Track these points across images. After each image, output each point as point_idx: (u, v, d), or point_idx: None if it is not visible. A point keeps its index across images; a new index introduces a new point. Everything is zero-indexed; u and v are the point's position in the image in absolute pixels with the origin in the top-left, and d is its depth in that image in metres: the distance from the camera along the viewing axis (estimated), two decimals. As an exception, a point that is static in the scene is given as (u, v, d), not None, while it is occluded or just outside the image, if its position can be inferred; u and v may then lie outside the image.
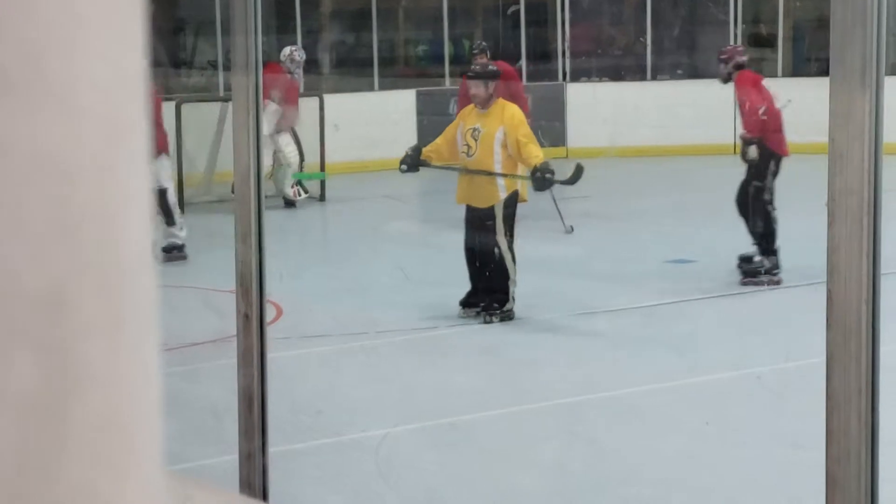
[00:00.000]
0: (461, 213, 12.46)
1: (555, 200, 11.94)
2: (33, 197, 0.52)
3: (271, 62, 14.04)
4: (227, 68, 16.46)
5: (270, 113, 13.14)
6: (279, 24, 18.33)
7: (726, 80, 10.93)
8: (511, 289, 9.14)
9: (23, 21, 0.51)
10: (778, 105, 10.58)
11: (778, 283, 10.07)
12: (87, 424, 0.53)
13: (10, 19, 0.51)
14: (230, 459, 3.76)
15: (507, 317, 9.11)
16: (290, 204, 14.21)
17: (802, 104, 17.68)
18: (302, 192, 14.33)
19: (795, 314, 9.06)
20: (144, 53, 0.56)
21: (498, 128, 9.08)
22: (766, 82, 10.92)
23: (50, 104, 0.52)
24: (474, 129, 9.20)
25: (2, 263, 0.52)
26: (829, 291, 2.49)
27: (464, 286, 9.31)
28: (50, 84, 0.52)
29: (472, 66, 13.27)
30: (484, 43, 14.00)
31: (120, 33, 0.55)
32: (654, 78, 19.26)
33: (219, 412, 5.97)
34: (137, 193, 0.56)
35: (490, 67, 12.82)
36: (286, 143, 13.92)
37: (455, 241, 12.15)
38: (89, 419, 0.54)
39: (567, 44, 19.34)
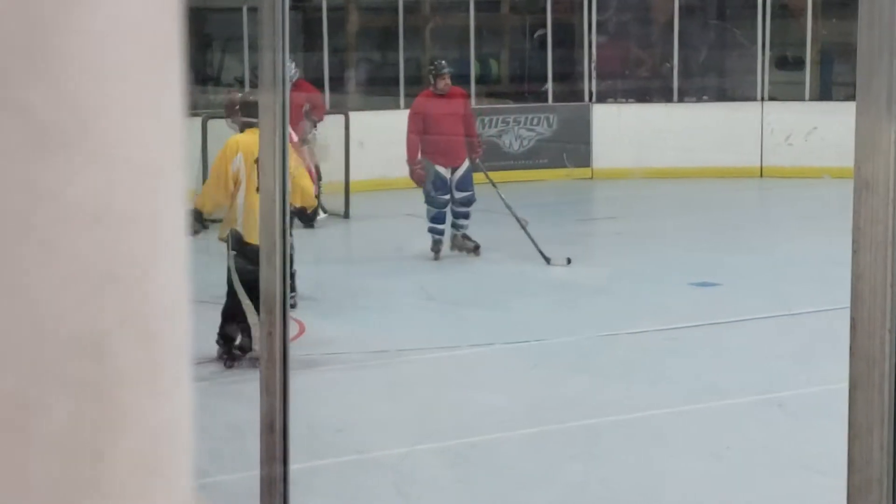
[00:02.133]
0: (488, 232, 12.46)
1: (527, 234, 11.76)
2: (78, 247, 0.54)
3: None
4: (253, 85, 16.50)
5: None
6: (306, 42, 18.39)
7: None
8: (254, 331, 7.97)
9: (74, 81, 0.53)
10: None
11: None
12: (120, 466, 0.55)
13: (63, 80, 0.53)
14: (252, 475, 3.77)
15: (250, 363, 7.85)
16: (306, 220, 13.99)
17: (829, 129, 17.68)
18: (321, 211, 14.15)
19: (818, 340, 9.03)
20: (183, 103, 0.58)
21: None
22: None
23: (95, 158, 0.54)
24: None
25: (47, 310, 0.53)
26: (852, 319, 2.49)
27: (488, 306, 9.30)
28: (95, 139, 0.54)
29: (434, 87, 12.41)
30: (444, 63, 12.86)
31: (161, 87, 0.57)
32: (680, 100, 19.24)
33: (240, 429, 5.98)
34: (174, 241, 0.58)
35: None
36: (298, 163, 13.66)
37: (478, 262, 12.15)
38: (123, 461, 0.55)
39: (593, 65, 19.35)
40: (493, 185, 12.22)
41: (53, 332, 0.53)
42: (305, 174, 8.85)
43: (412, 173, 12.07)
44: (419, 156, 12.01)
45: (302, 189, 8.55)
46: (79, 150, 0.54)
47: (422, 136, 11.99)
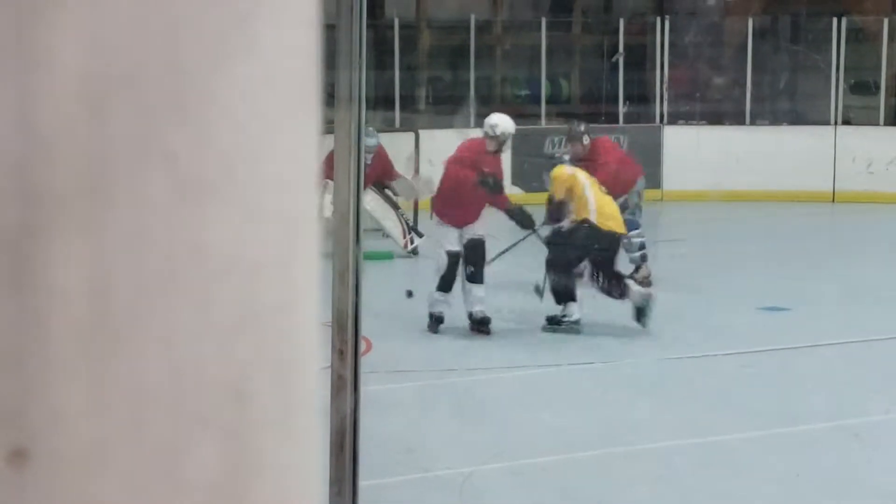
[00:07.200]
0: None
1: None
2: (223, 294, 0.55)
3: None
4: (326, 102, 16.56)
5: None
6: (378, 60, 18.46)
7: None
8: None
9: (221, 132, 0.55)
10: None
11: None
12: (260, 509, 0.56)
13: (206, 127, 0.54)
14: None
15: None
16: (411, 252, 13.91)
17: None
18: (416, 238, 14.02)
19: (892, 367, 8.93)
20: (319, 149, 0.60)
21: None
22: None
23: (240, 206, 0.56)
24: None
25: (193, 356, 0.55)
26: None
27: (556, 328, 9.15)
28: (240, 188, 0.56)
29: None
30: (583, 127, 11.67)
31: (301, 135, 0.58)
32: (752, 123, 19.10)
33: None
34: (310, 287, 0.59)
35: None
36: (368, 201, 13.40)
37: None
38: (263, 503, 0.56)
39: (665, 87, 19.26)
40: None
41: (195, 378, 0.54)
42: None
43: None
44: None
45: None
46: (219, 196, 0.55)
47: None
